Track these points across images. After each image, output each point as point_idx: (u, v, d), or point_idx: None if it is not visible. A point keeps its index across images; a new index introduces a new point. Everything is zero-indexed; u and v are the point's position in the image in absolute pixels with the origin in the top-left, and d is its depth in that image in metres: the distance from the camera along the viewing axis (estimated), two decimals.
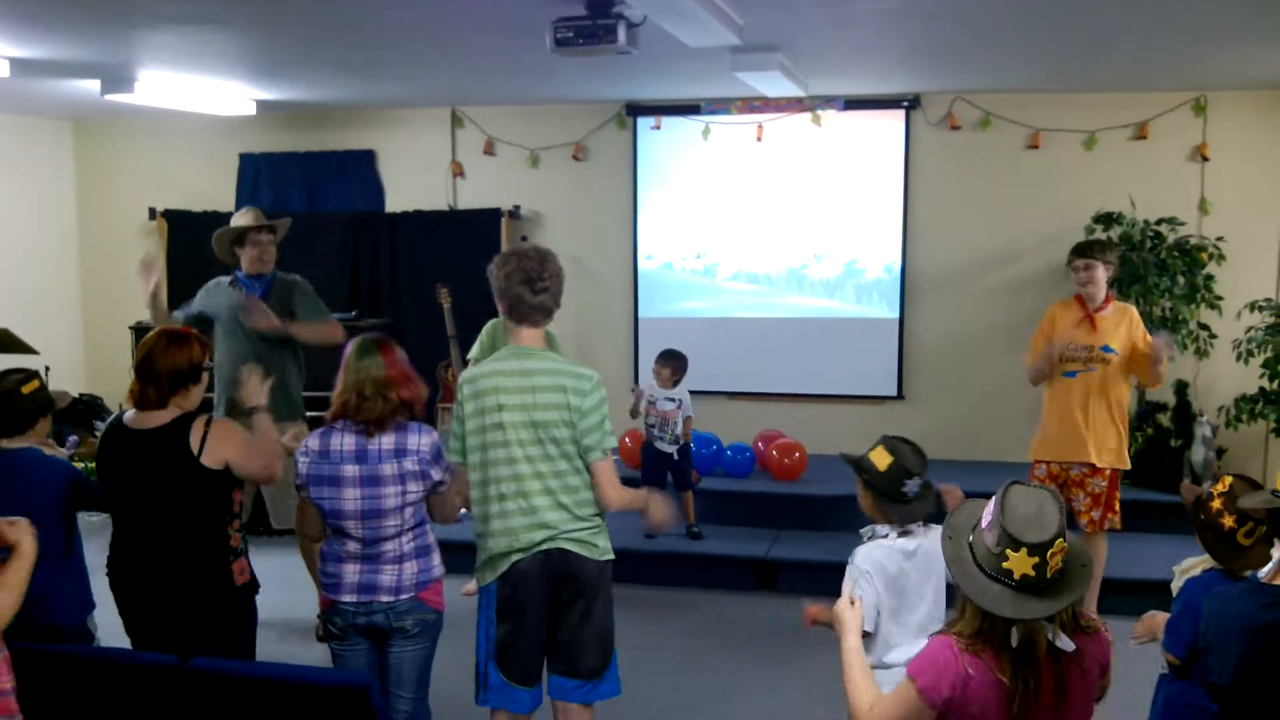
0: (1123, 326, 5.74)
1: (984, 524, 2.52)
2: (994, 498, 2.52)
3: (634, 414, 7.13)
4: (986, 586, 2.47)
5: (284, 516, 5.90)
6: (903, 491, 3.32)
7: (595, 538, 3.81)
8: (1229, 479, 3.35)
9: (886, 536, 3.37)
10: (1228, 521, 3.28)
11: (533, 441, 3.69)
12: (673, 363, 7.01)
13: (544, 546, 3.72)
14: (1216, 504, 3.30)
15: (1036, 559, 2.42)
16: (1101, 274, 5.74)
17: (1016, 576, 2.43)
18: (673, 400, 6.98)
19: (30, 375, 4.13)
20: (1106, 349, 5.71)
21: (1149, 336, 5.72)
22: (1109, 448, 5.77)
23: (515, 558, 3.73)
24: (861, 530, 3.47)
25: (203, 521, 3.81)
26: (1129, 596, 5.90)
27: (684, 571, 6.99)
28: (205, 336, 5.34)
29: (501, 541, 3.73)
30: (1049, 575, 2.44)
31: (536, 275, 3.72)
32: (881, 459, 3.36)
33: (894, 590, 3.31)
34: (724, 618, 6.46)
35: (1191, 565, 3.54)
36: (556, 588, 3.77)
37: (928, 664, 2.55)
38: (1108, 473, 5.78)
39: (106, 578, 3.92)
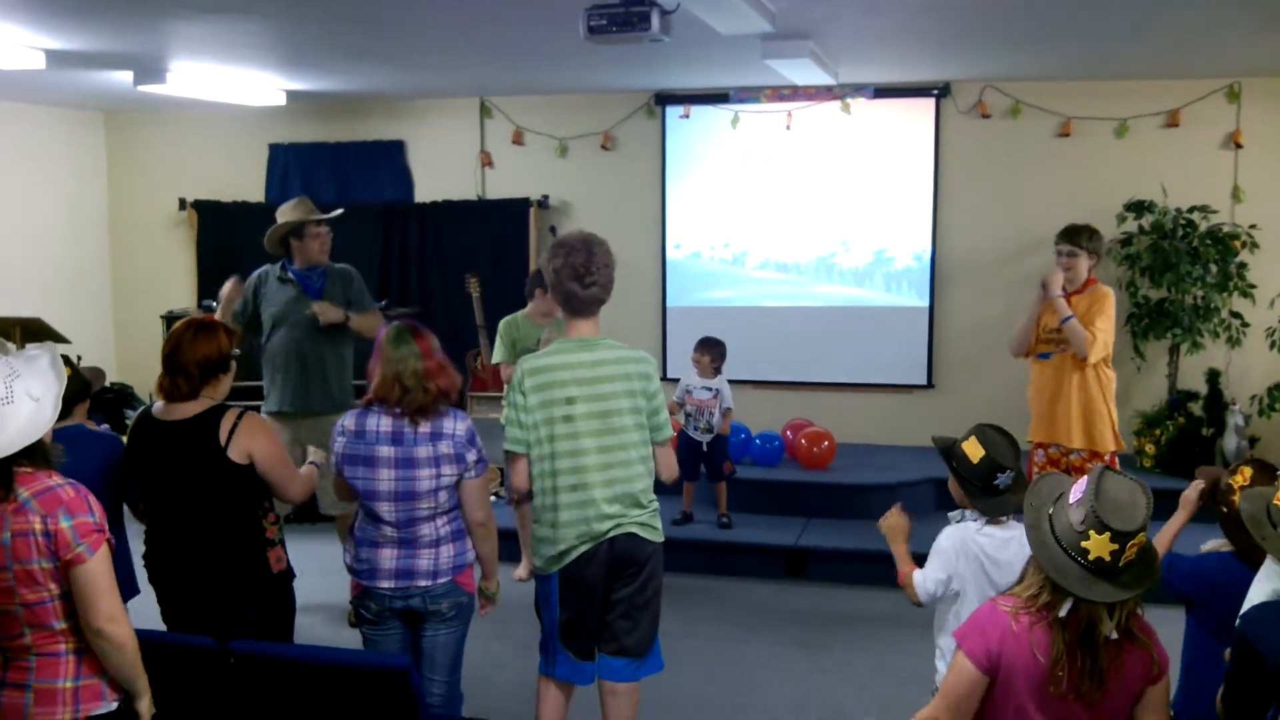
0: (1089, 306, 5.71)
1: (1072, 500, 2.55)
2: (1087, 477, 2.54)
3: (671, 411, 7.09)
4: (1058, 557, 2.51)
5: (331, 502, 5.95)
6: (994, 484, 3.33)
7: (655, 520, 3.94)
8: (1248, 470, 3.36)
9: (976, 523, 3.39)
10: None
11: (604, 432, 3.79)
12: (712, 350, 6.98)
13: (611, 534, 3.81)
14: (1237, 497, 3.31)
15: (1116, 546, 2.45)
16: (1084, 263, 5.74)
17: (1091, 558, 2.47)
18: (709, 389, 6.96)
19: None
20: None
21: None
22: (1096, 428, 5.76)
23: (584, 547, 3.79)
24: (950, 514, 3.50)
25: (233, 512, 3.82)
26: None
27: (714, 560, 6.99)
28: (239, 327, 5.42)
29: (572, 532, 3.79)
30: (1121, 564, 2.48)
31: (585, 269, 3.78)
32: (974, 451, 3.34)
33: (977, 571, 3.33)
34: (754, 605, 6.46)
35: (1215, 546, 3.57)
36: (618, 570, 3.86)
37: (974, 628, 2.61)
38: (1107, 457, 5.73)
39: (145, 569, 3.95)
